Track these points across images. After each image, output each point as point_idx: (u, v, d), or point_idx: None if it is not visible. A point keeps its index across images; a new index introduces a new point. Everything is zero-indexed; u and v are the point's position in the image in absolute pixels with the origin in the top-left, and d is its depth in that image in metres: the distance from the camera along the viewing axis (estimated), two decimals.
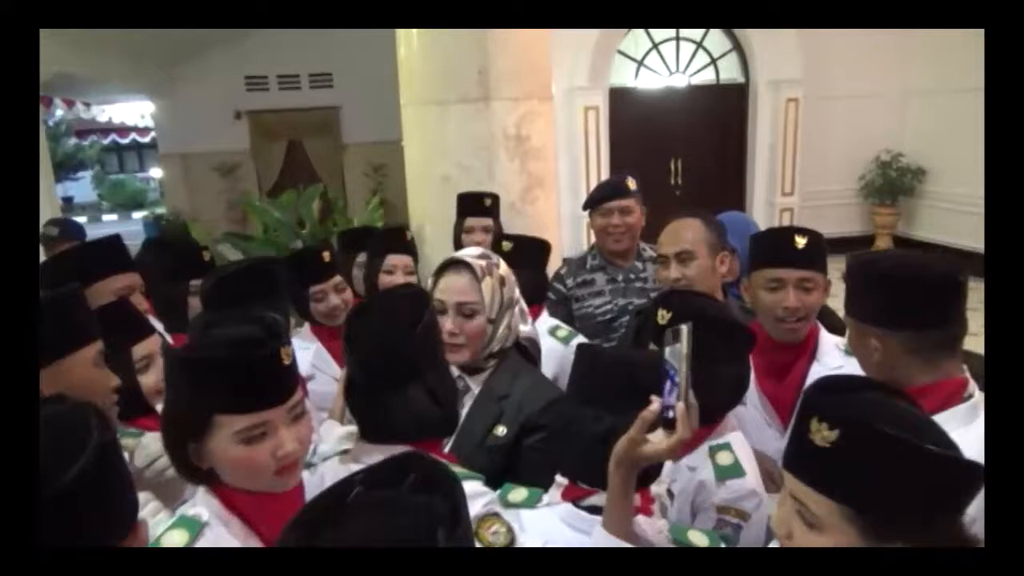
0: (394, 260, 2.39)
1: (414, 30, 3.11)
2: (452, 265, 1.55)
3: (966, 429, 1.13)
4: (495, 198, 2.75)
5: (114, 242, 1.92)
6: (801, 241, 1.60)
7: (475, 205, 2.71)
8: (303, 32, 8.68)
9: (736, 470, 1.39)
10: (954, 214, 7.46)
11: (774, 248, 1.64)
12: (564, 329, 2.12)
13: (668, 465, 1.40)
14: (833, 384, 0.93)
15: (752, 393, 1.66)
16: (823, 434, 0.82)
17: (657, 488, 1.27)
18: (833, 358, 1.65)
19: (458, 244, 2.64)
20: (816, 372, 1.64)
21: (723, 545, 1.25)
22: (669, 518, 1.35)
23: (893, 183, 7.97)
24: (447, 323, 1.50)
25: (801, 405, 0.89)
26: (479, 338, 1.54)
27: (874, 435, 0.80)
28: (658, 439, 1.05)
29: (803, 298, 1.60)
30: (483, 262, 1.56)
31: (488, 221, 2.67)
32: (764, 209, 8.02)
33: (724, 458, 1.41)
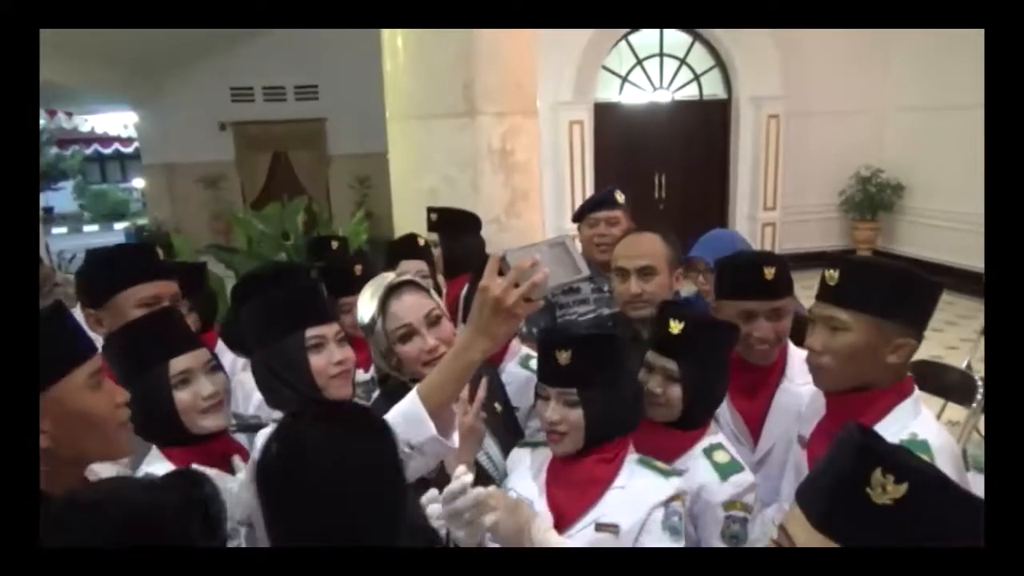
0: (407, 265, 2.39)
1: (400, 43, 3.14)
2: (394, 290, 1.53)
3: (916, 419, 1.31)
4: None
5: (146, 248, 1.84)
6: (770, 272, 1.59)
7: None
8: (288, 44, 8.70)
9: (736, 465, 1.45)
10: (932, 229, 7.58)
11: (743, 280, 1.64)
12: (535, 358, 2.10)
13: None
14: (866, 429, 0.82)
15: (724, 411, 1.67)
16: (888, 488, 0.72)
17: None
18: (801, 374, 1.63)
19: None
20: (785, 388, 1.68)
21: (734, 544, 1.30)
22: None
23: (872, 198, 8.10)
24: (426, 340, 1.49)
25: (859, 455, 0.76)
26: (452, 341, 1.54)
27: (942, 488, 0.74)
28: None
29: (775, 326, 1.62)
30: (413, 276, 1.59)
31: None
32: (746, 223, 8.11)
33: (721, 456, 1.45)
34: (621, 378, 1.40)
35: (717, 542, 1.41)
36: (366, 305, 1.53)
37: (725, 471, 1.43)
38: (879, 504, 0.72)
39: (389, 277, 1.57)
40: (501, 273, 1.05)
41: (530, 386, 1.95)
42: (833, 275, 1.35)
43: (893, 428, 1.27)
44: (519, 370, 1.94)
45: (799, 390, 1.63)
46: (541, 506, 1.39)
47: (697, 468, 1.44)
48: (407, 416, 1.11)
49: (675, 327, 1.45)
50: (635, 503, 1.33)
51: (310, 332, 1.44)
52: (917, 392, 1.37)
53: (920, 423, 1.30)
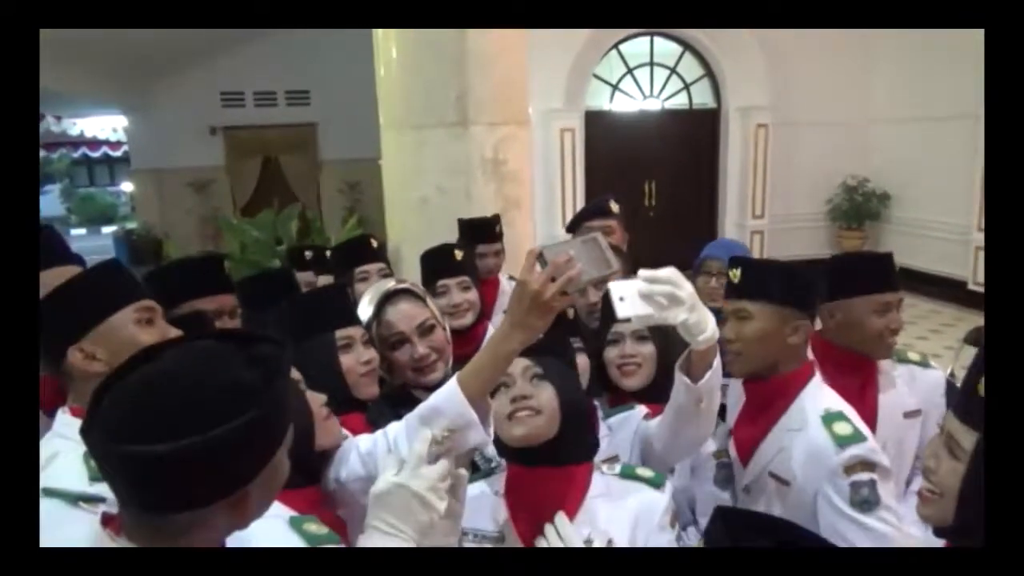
0: (367, 268, 2.42)
1: (393, 53, 3.16)
2: (391, 297, 1.58)
3: (824, 396, 1.53)
4: (500, 222, 2.79)
5: (213, 262, 1.87)
6: (894, 265, 1.77)
7: (486, 232, 2.71)
8: (280, 49, 8.70)
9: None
10: (918, 238, 7.68)
11: (881, 273, 1.76)
12: None
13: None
14: None
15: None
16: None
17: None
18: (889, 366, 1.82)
19: None
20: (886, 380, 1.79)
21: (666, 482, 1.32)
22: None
23: (859, 207, 8.19)
24: (417, 348, 1.54)
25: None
26: (447, 348, 1.60)
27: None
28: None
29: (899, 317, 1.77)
30: (410, 283, 1.64)
31: (499, 246, 2.71)
32: (735, 231, 8.18)
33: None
34: None
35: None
36: (365, 308, 1.58)
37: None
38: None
39: (389, 283, 1.61)
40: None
41: None
42: (736, 274, 1.56)
43: (808, 405, 1.50)
44: None
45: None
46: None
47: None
48: (449, 400, 1.11)
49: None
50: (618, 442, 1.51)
51: (339, 333, 1.48)
52: (818, 375, 1.58)
53: (829, 399, 1.52)
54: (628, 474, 1.30)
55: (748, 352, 1.53)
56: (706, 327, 1.22)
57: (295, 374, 1.18)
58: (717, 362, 1.29)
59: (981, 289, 6.65)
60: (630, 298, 1.19)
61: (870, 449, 1.41)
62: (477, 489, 1.29)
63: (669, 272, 1.20)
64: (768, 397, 1.55)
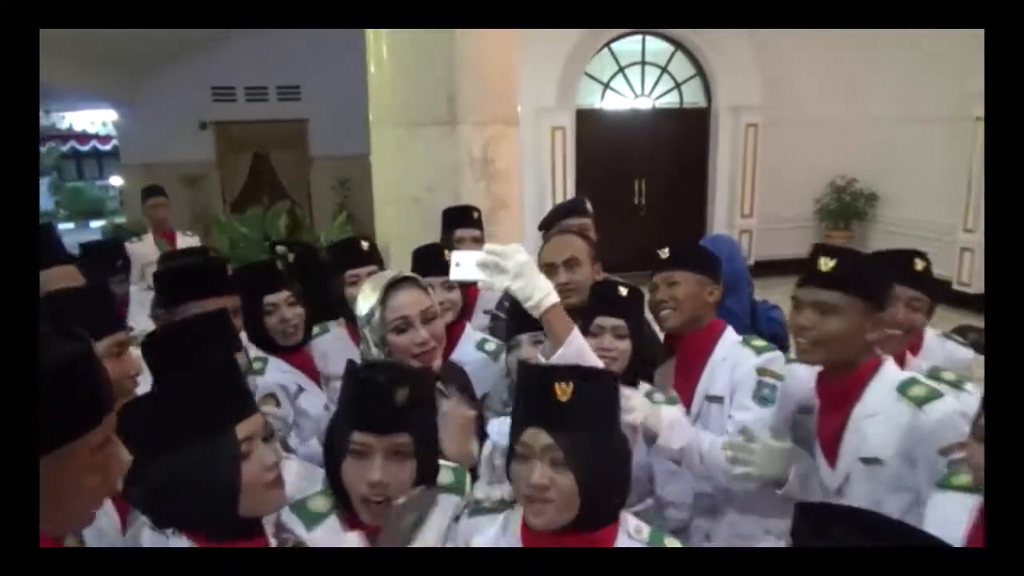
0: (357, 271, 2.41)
1: (384, 53, 3.17)
2: (397, 284, 1.62)
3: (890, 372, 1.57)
4: (479, 211, 2.84)
5: (214, 266, 1.96)
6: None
7: (463, 218, 2.78)
8: (271, 45, 8.67)
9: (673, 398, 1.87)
10: (904, 238, 7.72)
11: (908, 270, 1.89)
12: (492, 342, 2.16)
13: None
14: None
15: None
16: None
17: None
18: None
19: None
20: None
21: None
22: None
23: (847, 207, 8.25)
24: (419, 334, 1.58)
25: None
26: (443, 339, 1.66)
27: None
28: None
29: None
30: (413, 275, 1.70)
31: (477, 232, 2.74)
32: (724, 230, 8.22)
33: (659, 397, 1.80)
34: None
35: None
36: (366, 297, 1.62)
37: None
38: None
39: (390, 274, 1.66)
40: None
41: (488, 368, 2.06)
42: (829, 263, 1.50)
43: (880, 389, 1.52)
44: (477, 353, 2.11)
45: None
46: None
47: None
48: None
49: (623, 290, 1.80)
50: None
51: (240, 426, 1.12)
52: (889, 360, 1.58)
53: (894, 374, 1.55)
54: (656, 541, 1.24)
55: (829, 345, 1.48)
56: (531, 295, 1.41)
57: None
58: (572, 337, 1.42)
59: (965, 289, 6.71)
60: (465, 264, 1.42)
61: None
62: (495, 527, 1.28)
63: (507, 247, 1.42)
64: (845, 389, 1.52)
